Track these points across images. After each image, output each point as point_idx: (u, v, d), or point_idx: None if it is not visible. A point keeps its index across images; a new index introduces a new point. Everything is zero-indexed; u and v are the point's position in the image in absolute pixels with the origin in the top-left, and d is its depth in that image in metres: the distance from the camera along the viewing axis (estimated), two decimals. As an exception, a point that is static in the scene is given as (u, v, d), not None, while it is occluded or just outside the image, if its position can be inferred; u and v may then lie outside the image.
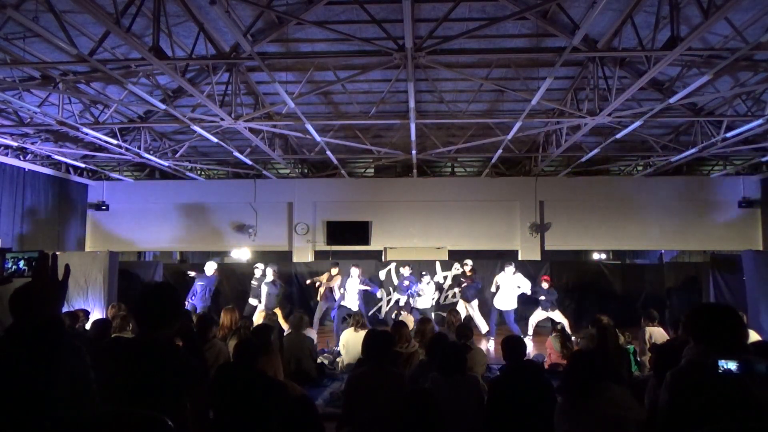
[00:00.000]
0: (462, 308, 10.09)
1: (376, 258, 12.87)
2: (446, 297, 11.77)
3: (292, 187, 13.81)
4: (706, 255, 12.07)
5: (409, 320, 8.58)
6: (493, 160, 11.88)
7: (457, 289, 11.11)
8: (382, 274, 11.59)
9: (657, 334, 6.66)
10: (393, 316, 10.19)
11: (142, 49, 5.46)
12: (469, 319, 9.82)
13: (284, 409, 2.88)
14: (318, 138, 9.56)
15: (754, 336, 5.83)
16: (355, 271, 9.80)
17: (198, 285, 9.52)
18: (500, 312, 9.87)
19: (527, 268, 10.98)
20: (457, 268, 10.96)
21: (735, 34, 5.74)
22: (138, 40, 5.64)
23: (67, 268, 1.85)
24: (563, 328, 7.51)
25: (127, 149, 10.19)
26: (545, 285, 9.97)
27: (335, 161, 11.80)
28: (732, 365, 2.04)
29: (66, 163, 12.12)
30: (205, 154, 12.71)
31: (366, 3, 5.59)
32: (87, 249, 13.39)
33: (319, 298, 10.17)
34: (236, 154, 10.74)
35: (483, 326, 9.99)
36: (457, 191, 13.66)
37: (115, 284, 9.59)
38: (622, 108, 7.74)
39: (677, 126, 10.22)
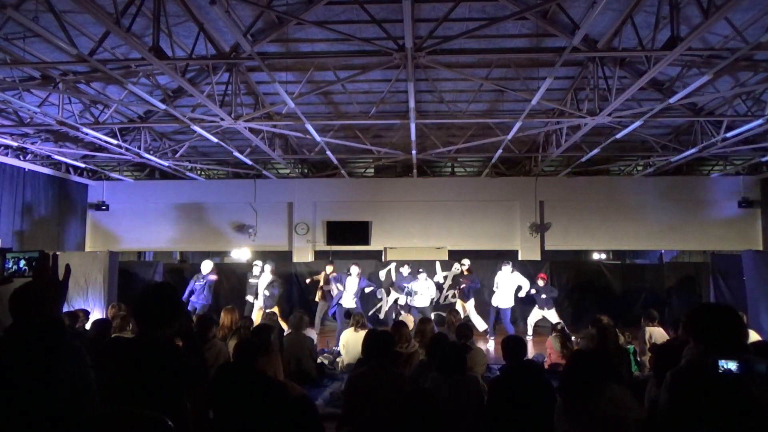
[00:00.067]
0: (460, 308, 10.11)
1: (376, 258, 12.88)
2: (446, 297, 11.79)
3: (292, 187, 13.80)
4: (706, 255, 12.08)
5: (409, 320, 8.59)
6: (493, 160, 11.89)
7: (455, 290, 11.13)
8: (382, 274, 11.60)
9: (657, 334, 6.66)
10: (393, 316, 10.20)
11: (142, 49, 5.46)
12: (467, 319, 9.83)
13: (284, 409, 2.88)
14: (318, 138, 9.56)
15: (754, 336, 5.83)
16: (354, 270, 9.84)
17: (197, 285, 9.51)
18: (497, 310, 9.89)
19: (527, 268, 10.99)
20: (456, 269, 10.97)
21: (735, 34, 5.74)
22: (138, 40, 5.64)
23: (67, 268, 1.85)
24: (563, 328, 7.51)
25: (127, 149, 10.19)
26: (541, 282, 10.02)
27: (335, 161, 11.80)
28: (732, 365, 2.04)
29: (66, 163, 12.12)
30: (205, 154, 12.71)
31: (366, 3, 5.59)
32: (87, 249, 13.39)
33: (318, 299, 10.20)
34: (236, 154, 10.74)
35: (481, 325, 10.00)
36: (457, 191, 13.66)
37: (115, 284, 9.60)
38: (622, 108, 7.74)
39: (677, 126, 10.21)
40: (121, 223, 13.83)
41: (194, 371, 2.41)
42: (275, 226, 13.85)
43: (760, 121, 8.03)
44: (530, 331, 10.21)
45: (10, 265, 2.15)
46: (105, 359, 2.26)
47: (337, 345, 8.01)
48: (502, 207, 13.54)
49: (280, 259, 12.96)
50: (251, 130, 9.21)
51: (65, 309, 7.00)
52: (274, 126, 9.43)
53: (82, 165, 12.45)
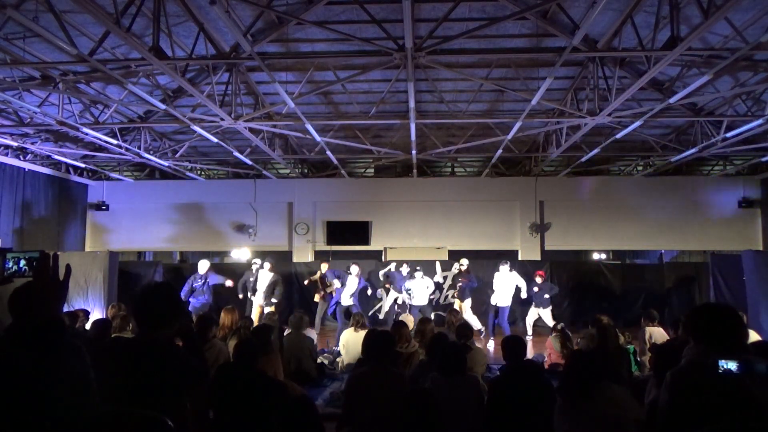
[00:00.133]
0: (458, 308, 10.11)
1: (376, 258, 12.88)
2: (446, 297, 11.80)
3: (292, 187, 13.80)
4: (706, 255, 12.08)
5: (409, 320, 8.58)
6: (493, 160, 11.89)
7: (454, 290, 11.16)
8: (382, 274, 11.59)
9: (657, 334, 6.66)
10: (393, 316, 10.21)
11: (142, 49, 5.46)
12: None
13: (284, 409, 2.88)
14: (318, 138, 9.56)
15: (754, 336, 5.82)
16: (354, 269, 9.88)
17: (197, 285, 9.50)
18: (497, 309, 9.91)
19: (527, 268, 10.99)
20: (456, 269, 10.98)
21: (735, 34, 5.74)
22: (138, 40, 5.64)
23: (68, 268, 1.85)
24: (563, 328, 7.51)
25: (127, 149, 10.19)
26: (539, 280, 10.05)
27: (335, 161, 11.81)
28: (732, 365, 2.04)
29: (66, 163, 12.12)
30: (205, 154, 12.71)
31: (366, 3, 5.59)
32: (87, 249, 13.39)
33: (317, 299, 10.22)
34: (236, 154, 10.74)
35: (475, 325, 10.02)
36: (457, 191, 13.66)
37: (115, 284, 9.60)
38: (622, 108, 7.74)
39: (677, 126, 10.21)
40: (121, 223, 13.83)
41: (194, 371, 2.41)
42: (275, 226, 13.85)
43: (760, 121, 8.03)
44: (530, 331, 10.22)
45: (10, 265, 2.14)
46: (105, 359, 2.26)
47: (337, 345, 8.01)
48: (502, 207, 13.54)
49: (280, 259, 12.96)
50: (251, 130, 9.21)
51: (65, 309, 7.01)
52: (274, 126, 9.43)
53: (82, 165, 12.46)
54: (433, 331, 5.71)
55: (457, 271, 10.78)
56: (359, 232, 13.37)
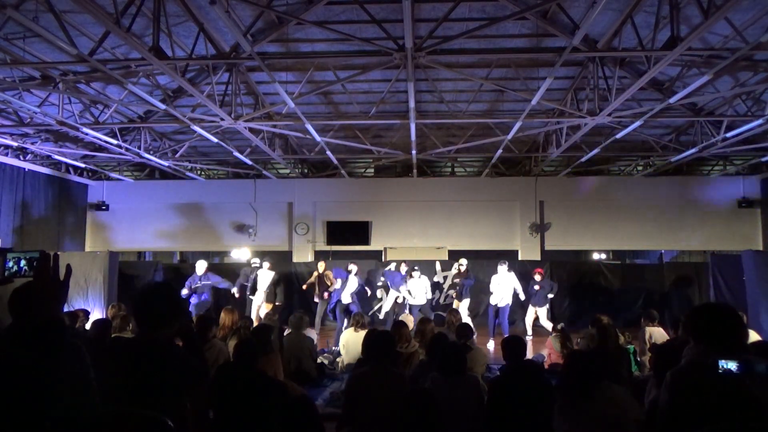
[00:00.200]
0: (456, 308, 10.14)
1: (376, 258, 12.88)
2: (446, 297, 11.80)
3: (292, 187, 13.81)
4: (706, 255, 12.08)
5: (409, 320, 8.58)
6: (493, 160, 11.89)
7: (453, 290, 11.20)
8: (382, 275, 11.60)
9: (657, 334, 6.66)
10: (393, 316, 10.22)
11: (142, 49, 5.46)
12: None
13: (284, 409, 2.88)
14: (318, 138, 9.56)
15: (754, 336, 5.83)
16: (353, 268, 9.93)
17: (196, 285, 9.52)
18: (497, 309, 9.91)
19: (527, 268, 10.99)
20: (456, 269, 10.99)
21: (735, 34, 5.74)
22: (138, 40, 5.64)
23: (68, 268, 1.85)
24: (563, 327, 7.51)
25: (127, 149, 10.19)
26: (538, 277, 10.06)
27: (335, 161, 11.81)
28: (732, 365, 2.04)
29: (66, 163, 12.13)
30: (205, 154, 12.72)
31: (366, 3, 5.59)
32: (87, 249, 13.39)
33: (316, 299, 10.24)
34: (236, 154, 10.74)
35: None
36: (457, 191, 13.66)
37: (115, 284, 9.60)
38: (622, 108, 7.74)
39: (677, 126, 10.22)
40: (121, 223, 13.83)
41: (194, 371, 2.41)
42: (275, 226, 13.85)
43: (760, 121, 8.03)
44: (530, 331, 10.22)
45: (10, 265, 2.14)
46: (105, 359, 2.26)
47: (337, 345, 8.01)
48: (502, 207, 13.54)
49: (280, 259, 12.97)
50: (251, 130, 9.21)
51: (65, 309, 7.01)
52: (274, 126, 9.43)
53: (82, 165, 12.46)
54: (433, 331, 5.71)
55: (456, 272, 10.80)
56: (359, 232, 13.37)
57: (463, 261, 10.55)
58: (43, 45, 6.39)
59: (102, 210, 13.75)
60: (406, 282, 10.18)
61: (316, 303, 10.35)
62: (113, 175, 13.37)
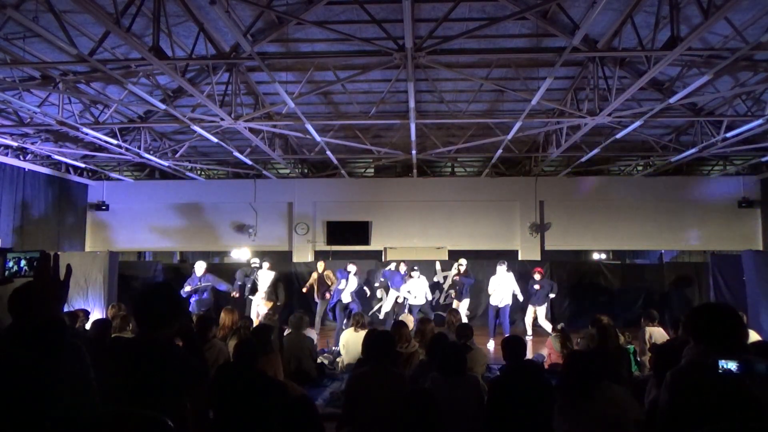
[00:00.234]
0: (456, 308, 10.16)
1: (376, 258, 12.88)
2: (446, 297, 11.80)
3: (292, 187, 13.81)
4: (706, 255, 12.08)
5: (409, 320, 8.59)
6: (493, 160, 11.89)
7: (453, 291, 11.21)
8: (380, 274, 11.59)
9: (657, 334, 6.66)
10: (393, 315, 10.23)
11: (142, 49, 5.46)
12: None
13: (284, 409, 2.88)
14: (318, 138, 9.56)
15: (754, 336, 5.83)
16: (352, 268, 9.95)
17: (196, 285, 9.53)
18: (497, 309, 9.92)
19: (527, 268, 11.00)
20: (455, 269, 11.01)
21: (735, 34, 5.74)
22: (138, 40, 5.64)
23: (68, 268, 1.85)
24: (563, 327, 7.51)
25: (127, 149, 10.19)
26: (538, 276, 10.06)
27: (335, 161, 11.81)
28: (732, 365, 2.04)
29: (66, 163, 12.12)
30: (205, 154, 12.71)
31: (366, 3, 5.59)
32: (87, 249, 13.38)
33: (317, 299, 10.25)
34: (236, 154, 10.74)
35: None
36: (457, 191, 13.66)
37: (115, 284, 9.60)
38: (622, 108, 7.74)
39: (677, 126, 10.22)
40: (121, 223, 13.83)
41: (194, 371, 2.41)
42: (275, 226, 13.85)
43: (760, 121, 8.03)
44: (530, 331, 10.22)
45: (10, 265, 2.14)
46: (105, 359, 2.26)
47: (337, 345, 8.01)
48: (502, 207, 13.54)
49: (280, 259, 12.97)
50: (251, 130, 9.21)
51: (65, 309, 7.01)
52: (274, 126, 9.43)
53: (82, 165, 12.46)
54: (433, 331, 5.71)
55: (456, 272, 10.81)
56: (359, 232, 13.37)
57: (463, 261, 10.56)
58: (43, 45, 6.39)
59: (102, 210, 13.75)
60: (406, 282, 10.19)
61: (316, 303, 10.36)
62: (113, 175, 13.37)
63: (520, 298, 10.10)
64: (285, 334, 6.82)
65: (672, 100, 7.26)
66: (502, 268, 9.99)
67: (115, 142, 9.55)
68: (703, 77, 6.51)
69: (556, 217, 13.46)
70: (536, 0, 5.41)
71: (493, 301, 9.94)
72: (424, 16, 6.08)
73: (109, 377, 2.12)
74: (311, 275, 10.56)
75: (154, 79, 7.54)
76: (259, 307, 9.69)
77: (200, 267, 9.69)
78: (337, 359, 7.46)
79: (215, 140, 9.51)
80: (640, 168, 13.23)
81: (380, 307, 11.46)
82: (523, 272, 10.84)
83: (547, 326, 9.83)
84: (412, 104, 7.61)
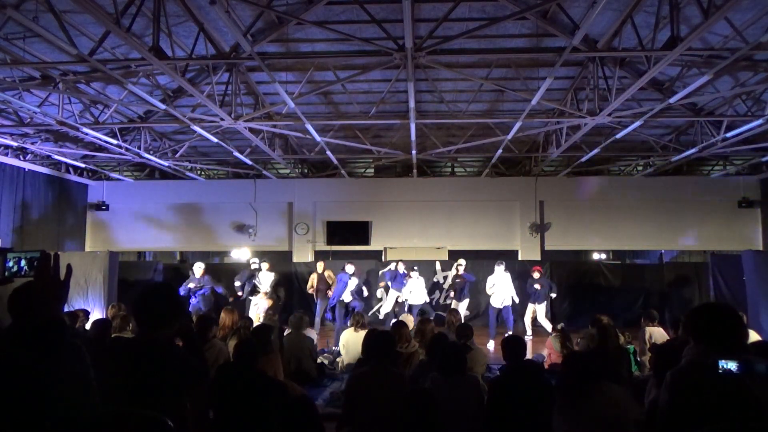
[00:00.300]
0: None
1: (376, 258, 12.88)
2: (446, 297, 11.80)
3: (292, 187, 13.81)
4: (706, 255, 12.09)
5: (409, 320, 8.59)
6: (493, 160, 11.89)
7: (452, 291, 11.21)
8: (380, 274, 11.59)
9: (657, 334, 6.66)
10: (393, 315, 10.24)
11: (142, 49, 5.46)
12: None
13: (284, 409, 2.88)
14: (318, 138, 9.56)
15: (754, 336, 5.83)
16: (350, 269, 9.95)
17: (201, 289, 9.58)
18: (499, 311, 9.92)
19: (527, 268, 10.99)
20: (455, 270, 11.02)
21: (735, 34, 5.74)
22: (138, 40, 5.64)
23: (69, 268, 1.85)
24: (563, 327, 7.51)
25: (127, 149, 10.19)
26: (537, 275, 10.06)
27: (335, 161, 11.81)
28: (732, 365, 2.04)
29: (66, 163, 12.12)
30: (205, 154, 12.71)
31: (366, 3, 5.59)
32: (87, 249, 13.38)
33: (315, 298, 10.26)
34: (236, 154, 10.74)
35: None
36: (457, 191, 13.66)
37: (115, 284, 9.60)
38: (622, 108, 7.74)
39: (677, 126, 10.21)
40: (121, 223, 13.82)
41: (194, 371, 2.41)
42: (275, 226, 13.85)
43: (760, 121, 8.02)
44: (530, 331, 10.22)
45: (11, 265, 2.14)
46: (105, 359, 2.26)
47: (337, 345, 8.02)
48: (502, 207, 13.53)
49: (280, 259, 12.98)
50: (251, 130, 9.21)
51: (65, 309, 7.01)
52: (274, 126, 9.43)
53: (82, 165, 12.45)
54: (433, 331, 5.72)
55: (455, 272, 10.81)
56: (359, 232, 13.37)
57: (462, 261, 10.56)
58: (43, 45, 6.39)
59: (102, 210, 13.74)
60: (406, 282, 10.19)
61: (316, 303, 10.36)
62: (113, 175, 13.37)
63: (516, 300, 10.10)
64: (285, 334, 6.82)
65: (672, 100, 7.26)
66: (500, 269, 10.01)
67: (115, 142, 9.55)
68: (703, 77, 6.51)
69: (556, 217, 13.46)
70: (536, 0, 5.41)
71: (494, 302, 9.93)
72: (424, 16, 6.08)
73: (109, 377, 2.12)
74: (311, 276, 10.56)
75: (154, 79, 7.54)
76: (260, 305, 9.71)
77: (199, 268, 9.73)
78: (337, 359, 7.46)
79: (215, 140, 9.51)
80: (640, 168, 13.23)
81: (380, 307, 11.46)
82: (522, 272, 10.84)
83: (547, 325, 9.83)
84: (412, 104, 7.61)
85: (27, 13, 5.37)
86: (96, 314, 8.51)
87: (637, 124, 8.63)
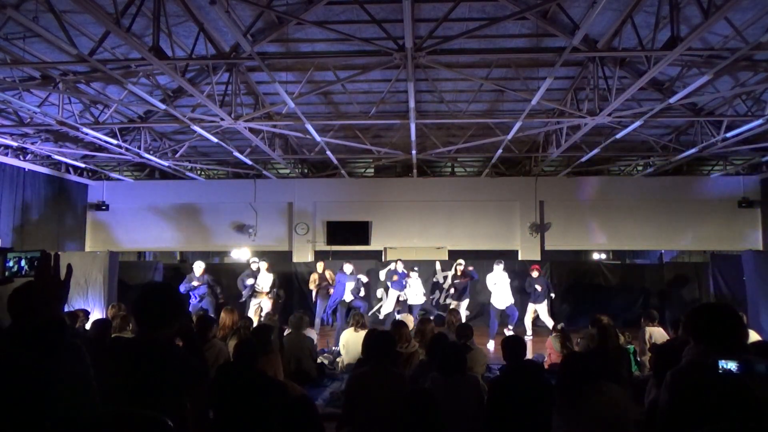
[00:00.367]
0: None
1: (376, 258, 12.88)
2: (446, 297, 11.80)
3: (292, 187, 13.81)
4: (706, 255, 12.08)
5: (409, 320, 8.59)
6: (493, 160, 11.89)
7: (452, 291, 11.21)
8: (382, 275, 11.60)
9: (657, 334, 6.66)
10: (394, 315, 10.24)
11: (142, 49, 5.46)
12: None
13: (284, 409, 2.88)
14: (318, 138, 9.56)
15: (754, 336, 5.83)
16: (348, 268, 9.95)
17: (200, 287, 9.59)
18: (502, 312, 9.90)
19: (526, 268, 10.99)
20: (454, 270, 11.02)
21: (735, 34, 5.74)
22: (138, 40, 5.64)
23: (69, 267, 1.85)
24: (563, 327, 7.51)
25: (127, 149, 10.19)
26: (535, 273, 10.05)
27: (335, 161, 11.81)
28: (732, 365, 2.04)
29: (66, 163, 12.12)
30: (205, 154, 12.71)
31: (366, 3, 5.59)
32: (87, 249, 13.39)
33: (313, 297, 10.27)
34: (236, 154, 10.74)
35: None
36: (457, 191, 13.66)
37: (115, 284, 9.61)
38: (622, 108, 7.74)
39: (677, 126, 10.21)
40: (121, 223, 13.83)
41: (194, 371, 2.41)
42: (275, 226, 13.85)
43: (760, 121, 8.03)
44: (530, 331, 10.22)
45: (11, 265, 2.14)
46: (105, 359, 2.26)
47: (337, 345, 8.02)
48: (502, 207, 13.54)
49: (280, 259, 12.98)
50: (251, 130, 9.21)
51: (65, 309, 7.01)
52: (274, 126, 9.43)
53: (82, 165, 12.45)
54: (433, 331, 5.72)
55: (454, 273, 10.81)
56: (359, 232, 13.37)
57: (461, 261, 10.56)
58: (43, 45, 6.39)
59: (102, 210, 13.75)
60: (406, 282, 10.18)
61: (316, 303, 10.36)
62: (113, 175, 13.37)
63: (512, 301, 10.09)
64: (285, 334, 6.82)
65: (672, 100, 7.26)
66: (498, 267, 10.00)
67: (115, 142, 9.55)
68: (703, 77, 6.51)
69: (556, 217, 13.46)
70: (536, 0, 5.41)
71: (496, 303, 9.89)
72: (424, 16, 6.08)
73: (109, 377, 2.12)
74: (311, 276, 10.54)
75: (154, 79, 7.54)
76: (264, 305, 9.71)
77: (199, 267, 9.75)
78: (337, 359, 7.46)
79: (215, 140, 9.51)
80: (640, 168, 13.23)
81: (380, 307, 11.46)
82: (523, 272, 10.83)
83: (550, 322, 9.78)
84: (412, 104, 7.61)
85: (27, 13, 5.37)
86: (96, 314, 8.51)
87: (637, 124, 8.63)
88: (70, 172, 12.87)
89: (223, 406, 3.52)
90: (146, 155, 10.45)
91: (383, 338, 3.85)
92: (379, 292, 11.51)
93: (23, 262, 2.13)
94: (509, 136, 9.36)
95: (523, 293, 10.36)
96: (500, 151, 10.63)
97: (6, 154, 10.74)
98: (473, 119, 9.17)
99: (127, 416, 1.78)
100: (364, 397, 3.53)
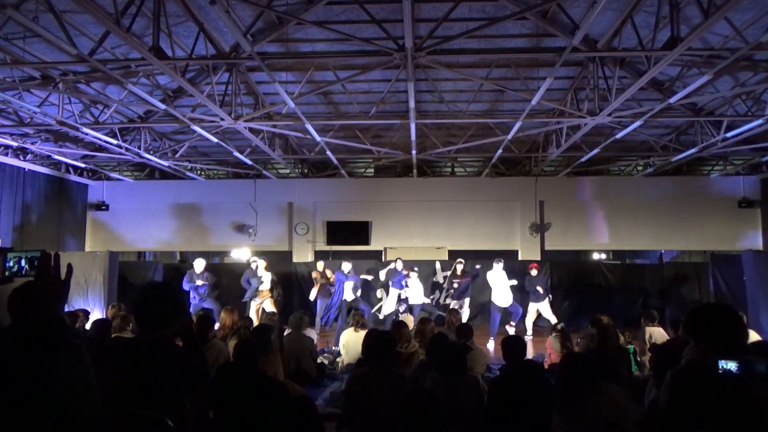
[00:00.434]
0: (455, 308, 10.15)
1: (376, 258, 12.88)
2: (446, 297, 11.80)
3: (292, 187, 13.81)
4: (706, 255, 12.08)
5: (409, 320, 8.59)
6: (493, 160, 11.89)
7: (451, 291, 11.21)
8: (382, 275, 11.59)
9: (657, 334, 6.66)
10: (395, 315, 10.24)
11: (142, 49, 5.46)
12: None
13: (284, 409, 2.88)
14: (318, 138, 9.56)
15: (754, 336, 5.83)
16: (346, 266, 9.96)
17: (201, 286, 9.60)
18: (503, 309, 9.88)
19: (526, 268, 10.98)
20: (454, 269, 11.02)
21: (735, 34, 5.74)
22: (138, 40, 5.64)
23: (69, 267, 1.85)
24: (563, 327, 7.51)
25: (127, 149, 10.19)
26: (534, 272, 10.05)
27: (335, 161, 11.81)
28: (732, 365, 2.04)
29: (66, 163, 12.13)
30: (205, 154, 12.71)
31: (366, 3, 5.59)
32: (87, 249, 13.39)
33: (312, 298, 10.27)
34: (236, 154, 10.74)
35: None
36: (457, 191, 13.66)
37: (115, 284, 9.61)
38: (622, 108, 7.74)
39: (677, 126, 10.21)
40: (121, 223, 13.83)
41: (194, 371, 2.41)
42: (275, 226, 13.85)
43: (760, 121, 8.03)
44: (530, 331, 10.22)
45: (11, 265, 2.14)
46: (105, 359, 2.26)
47: (337, 345, 8.01)
48: (502, 207, 13.54)
49: (280, 259, 12.98)
50: (251, 130, 9.21)
51: (65, 309, 7.00)
52: (274, 126, 9.43)
53: (82, 165, 12.46)
54: (433, 331, 5.71)
55: (453, 272, 10.81)
56: (359, 232, 13.37)
57: (461, 261, 10.55)
58: (43, 45, 6.39)
59: (102, 210, 13.75)
60: (406, 282, 10.18)
61: (316, 303, 10.35)
62: (113, 175, 13.37)
63: (512, 298, 10.08)
64: (285, 334, 6.82)
65: (672, 100, 7.26)
66: (498, 266, 10.00)
67: (115, 142, 9.55)
68: (703, 77, 6.51)
69: (556, 217, 13.46)
70: (536, 0, 5.41)
71: (498, 302, 9.88)
72: (424, 16, 6.08)
73: (109, 377, 2.12)
74: (312, 276, 10.53)
75: (154, 79, 7.54)
76: (266, 306, 9.72)
77: (199, 264, 9.76)
78: (337, 359, 7.46)
79: (215, 140, 9.51)
80: (640, 168, 13.23)
81: (380, 307, 11.46)
82: (523, 272, 10.82)
83: (554, 319, 9.80)
84: (412, 104, 7.61)
85: (27, 13, 5.37)
86: (96, 314, 8.51)
87: (637, 124, 8.63)
88: (70, 172, 12.87)
89: (223, 406, 3.52)
90: (146, 155, 10.45)
91: (383, 338, 3.85)
92: (379, 292, 11.50)
93: (23, 262, 2.13)
94: (509, 136, 9.36)
95: (522, 292, 10.35)
96: (500, 151, 10.63)
97: (6, 154, 10.74)
98: (473, 119, 9.17)
99: (127, 416, 1.78)
100: (364, 397, 3.53)
